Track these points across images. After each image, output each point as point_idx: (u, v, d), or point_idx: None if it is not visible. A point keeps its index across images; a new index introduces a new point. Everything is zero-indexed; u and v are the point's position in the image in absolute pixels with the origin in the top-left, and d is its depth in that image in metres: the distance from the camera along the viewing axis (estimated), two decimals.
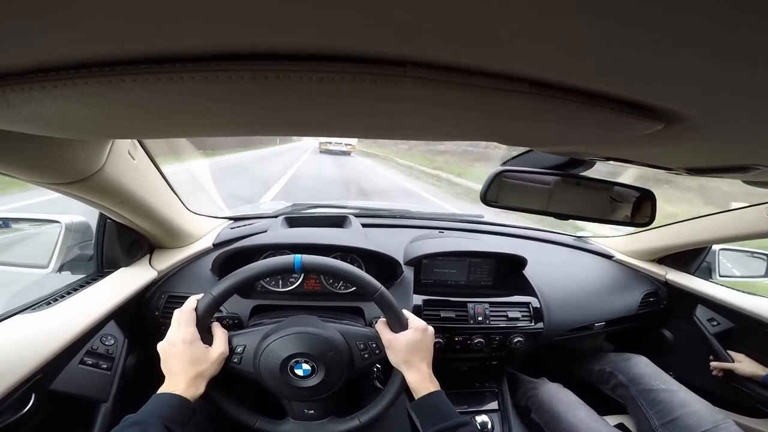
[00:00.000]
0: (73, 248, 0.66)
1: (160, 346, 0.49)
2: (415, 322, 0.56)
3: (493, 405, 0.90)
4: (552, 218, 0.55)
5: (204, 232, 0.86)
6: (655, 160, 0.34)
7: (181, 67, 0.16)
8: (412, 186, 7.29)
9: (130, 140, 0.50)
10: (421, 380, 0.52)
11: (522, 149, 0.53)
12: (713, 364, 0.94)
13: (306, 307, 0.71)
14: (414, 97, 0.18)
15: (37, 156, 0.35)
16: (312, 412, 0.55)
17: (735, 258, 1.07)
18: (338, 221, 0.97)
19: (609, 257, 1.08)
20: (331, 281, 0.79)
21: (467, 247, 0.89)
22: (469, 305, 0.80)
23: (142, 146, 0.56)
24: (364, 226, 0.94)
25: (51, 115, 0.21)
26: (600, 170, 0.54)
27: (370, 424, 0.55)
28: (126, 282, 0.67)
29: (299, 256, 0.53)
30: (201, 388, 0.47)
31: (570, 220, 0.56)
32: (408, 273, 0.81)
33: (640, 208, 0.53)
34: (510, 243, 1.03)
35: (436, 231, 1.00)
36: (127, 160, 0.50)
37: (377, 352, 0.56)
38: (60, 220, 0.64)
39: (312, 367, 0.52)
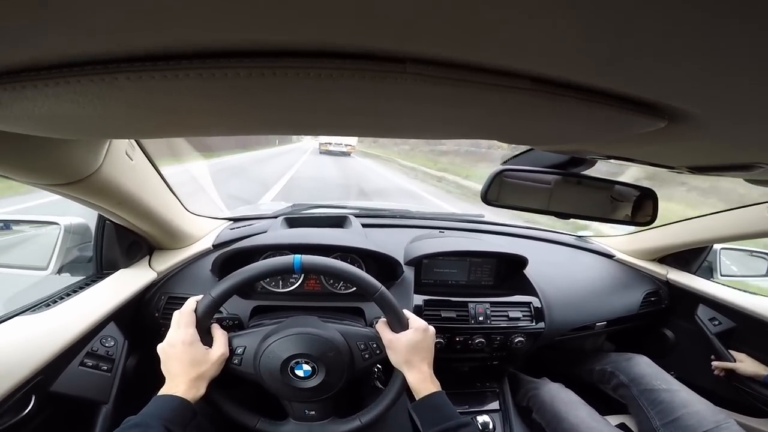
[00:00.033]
0: (72, 250, 0.66)
1: (160, 348, 0.49)
2: (415, 322, 0.55)
3: (495, 405, 0.90)
4: (553, 218, 0.55)
5: (203, 233, 0.86)
6: (657, 159, 0.33)
7: (176, 65, 0.15)
8: (418, 189, 6.97)
9: (127, 141, 0.50)
10: (422, 380, 0.52)
11: (523, 148, 0.53)
12: (715, 363, 0.93)
13: (306, 307, 0.71)
14: (414, 95, 0.18)
15: (33, 157, 0.35)
16: (313, 412, 0.55)
17: (736, 257, 1.07)
18: (338, 221, 0.97)
19: (610, 257, 1.08)
20: (331, 282, 0.79)
21: (468, 247, 0.88)
22: (470, 305, 0.80)
23: (140, 147, 0.55)
24: (364, 226, 0.94)
25: (44, 115, 0.21)
26: (600, 169, 0.53)
27: (371, 424, 0.54)
28: (125, 283, 0.67)
29: (299, 256, 0.53)
30: (201, 390, 0.47)
31: (571, 220, 0.56)
32: (408, 273, 0.81)
33: (642, 207, 0.53)
34: (511, 243, 1.02)
35: (437, 231, 1.00)
36: (124, 161, 0.49)
37: (378, 352, 0.55)
38: (59, 222, 0.64)
39: (312, 367, 0.52)
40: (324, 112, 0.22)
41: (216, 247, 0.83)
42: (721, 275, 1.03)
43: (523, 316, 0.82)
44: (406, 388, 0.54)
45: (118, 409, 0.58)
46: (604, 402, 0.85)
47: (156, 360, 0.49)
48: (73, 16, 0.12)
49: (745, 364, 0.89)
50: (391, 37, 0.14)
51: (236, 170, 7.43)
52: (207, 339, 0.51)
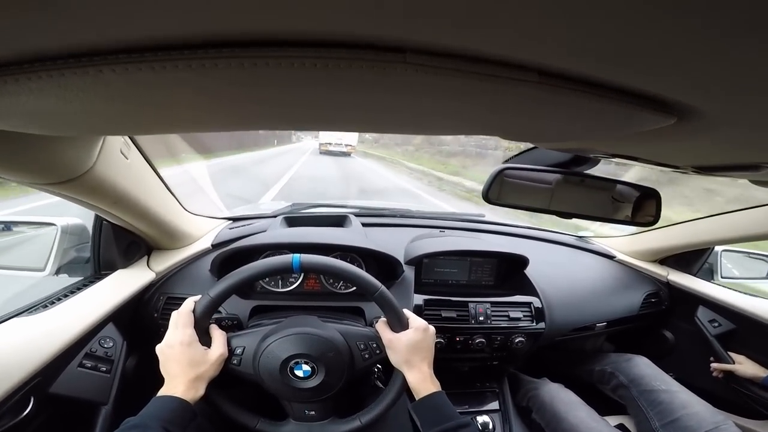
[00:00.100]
0: (70, 251, 0.66)
1: (159, 349, 0.49)
2: (415, 321, 0.55)
3: (494, 405, 0.90)
4: (553, 218, 0.54)
5: (202, 233, 0.85)
6: (663, 158, 0.33)
7: (164, 56, 0.15)
8: (435, 199, 5.77)
9: (122, 139, 0.49)
10: (422, 380, 0.52)
11: (525, 147, 0.52)
12: (714, 365, 0.93)
13: (306, 307, 0.71)
14: (415, 87, 0.17)
15: (24, 155, 0.34)
16: (313, 413, 0.55)
17: (737, 260, 1.07)
18: (338, 221, 0.96)
19: (611, 257, 1.08)
20: (331, 281, 0.78)
21: (468, 247, 0.88)
22: (471, 305, 0.80)
23: (135, 145, 0.55)
24: (365, 225, 0.94)
25: (29, 111, 0.20)
26: (600, 169, 0.53)
27: (371, 424, 0.54)
28: (124, 284, 0.67)
29: (298, 255, 0.52)
30: (201, 390, 0.47)
31: (572, 220, 0.56)
32: (409, 272, 0.80)
33: (645, 208, 0.53)
34: (511, 242, 1.02)
35: (437, 230, 1.00)
36: (119, 159, 0.49)
37: (378, 352, 0.55)
38: (55, 223, 0.64)
39: (312, 367, 0.51)
40: (321, 106, 0.22)
41: (215, 246, 0.82)
42: (722, 277, 1.03)
43: (524, 316, 0.81)
44: (406, 388, 0.54)
45: (118, 410, 0.58)
46: (603, 402, 0.85)
47: (155, 360, 0.49)
48: (54, 5, 0.12)
49: (744, 366, 0.89)
50: (390, 25, 0.13)
51: (235, 171, 7.39)
52: (206, 339, 0.51)
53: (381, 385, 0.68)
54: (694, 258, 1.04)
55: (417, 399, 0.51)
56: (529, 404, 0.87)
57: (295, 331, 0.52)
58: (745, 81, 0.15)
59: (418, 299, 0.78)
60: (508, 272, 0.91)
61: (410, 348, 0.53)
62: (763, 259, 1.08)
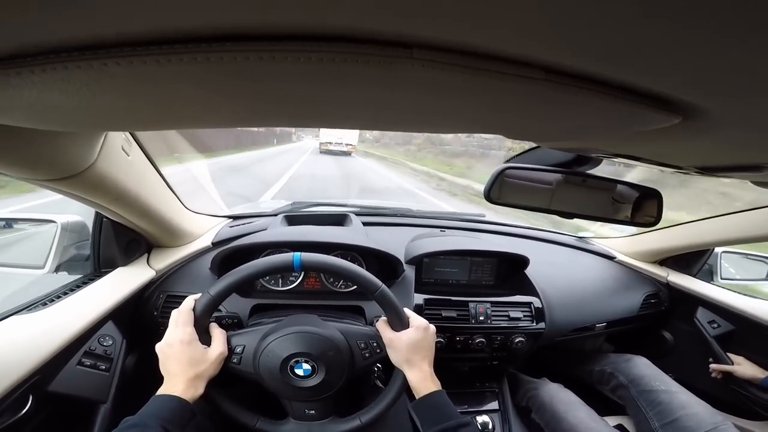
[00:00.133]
0: (70, 248, 0.65)
1: (158, 347, 0.49)
2: (416, 320, 0.55)
3: (494, 405, 0.90)
4: (554, 218, 0.54)
5: (203, 231, 0.85)
6: (666, 158, 0.33)
7: (169, 49, 0.15)
8: (448, 206, 5.17)
9: (123, 135, 0.49)
10: (423, 379, 0.52)
11: (529, 147, 0.52)
12: (712, 366, 0.94)
13: (306, 306, 0.71)
14: (420, 83, 0.17)
15: (25, 151, 0.34)
16: (313, 412, 0.55)
17: (737, 261, 1.08)
18: (339, 219, 0.96)
19: (611, 258, 1.08)
20: (331, 280, 0.78)
21: (469, 246, 0.88)
22: (471, 305, 0.80)
23: (136, 142, 0.55)
24: (365, 224, 0.94)
25: (31, 105, 0.20)
26: (606, 170, 0.53)
27: (371, 423, 0.54)
28: (124, 282, 0.67)
29: (299, 254, 0.52)
30: (200, 389, 0.47)
31: (573, 221, 0.56)
32: (409, 272, 0.80)
33: (646, 208, 0.53)
34: (512, 242, 1.02)
35: (438, 230, 1.00)
36: (120, 156, 0.48)
37: (378, 351, 0.55)
38: (56, 220, 0.64)
39: (312, 366, 0.51)
40: (325, 102, 0.21)
41: (215, 244, 0.82)
42: (722, 278, 1.03)
43: (524, 316, 0.81)
44: (406, 388, 0.54)
45: (117, 408, 0.58)
46: (603, 403, 0.85)
47: (155, 359, 0.49)
48: None
49: (742, 367, 0.89)
50: (397, 20, 0.13)
51: (235, 170, 7.37)
52: (206, 338, 0.51)
53: (381, 385, 0.68)
54: (694, 259, 1.04)
55: (417, 398, 0.51)
56: (529, 404, 0.87)
57: (296, 329, 0.52)
58: (751, 81, 0.15)
59: (419, 298, 0.78)
60: (509, 272, 0.91)
61: (411, 347, 0.53)
62: (762, 261, 1.08)
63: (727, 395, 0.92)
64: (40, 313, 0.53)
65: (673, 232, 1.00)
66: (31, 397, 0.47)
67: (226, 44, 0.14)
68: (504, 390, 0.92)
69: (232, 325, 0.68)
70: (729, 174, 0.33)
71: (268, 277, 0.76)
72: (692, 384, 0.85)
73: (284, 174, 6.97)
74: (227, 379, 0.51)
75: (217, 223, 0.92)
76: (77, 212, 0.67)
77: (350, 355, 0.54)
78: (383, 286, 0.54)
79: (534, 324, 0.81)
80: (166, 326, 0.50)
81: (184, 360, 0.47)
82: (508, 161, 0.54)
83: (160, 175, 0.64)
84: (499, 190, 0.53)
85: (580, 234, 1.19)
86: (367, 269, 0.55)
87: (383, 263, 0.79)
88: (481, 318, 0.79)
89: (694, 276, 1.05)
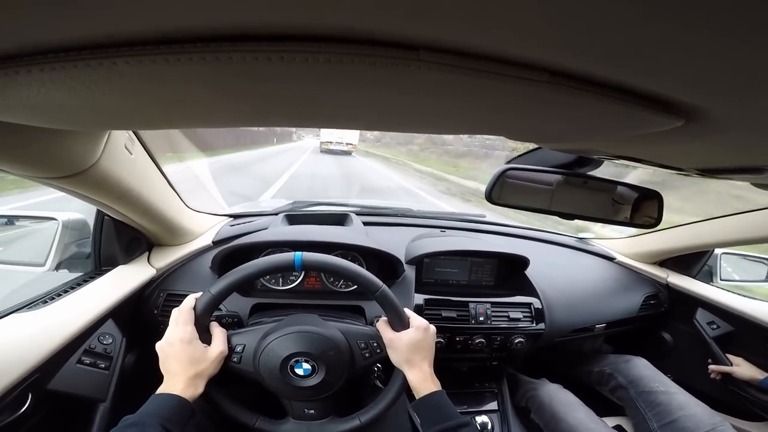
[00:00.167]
0: (70, 246, 0.65)
1: (159, 346, 0.49)
2: (416, 320, 0.55)
3: (493, 405, 0.90)
4: (553, 219, 0.55)
5: (203, 230, 0.85)
6: (667, 160, 0.33)
7: (179, 48, 0.15)
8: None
9: (127, 134, 0.49)
10: (423, 380, 0.52)
11: (531, 147, 0.52)
12: (711, 367, 0.94)
13: (306, 305, 0.71)
14: (425, 85, 0.17)
15: (29, 149, 0.34)
16: (312, 411, 0.55)
17: (736, 262, 1.08)
18: (339, 219, 0.96)
19: (611, 259, 1.08)
20: (331, 279, 0.78)
21: (469, 247, 0.88)
22: (471, 305, 0.80)
23: (139, 141, 0.55)
24: (366, 224, 0.94)
25: (39, 103, 0.20)
26: (610, 172, 0.53)
27: (371, 423, 0.54)
28: (124, 280, 0.67)
29: (299, 253, 0.52)
30: (200, 388, 0.47)
31: (573, 222, 0.56)
32: (409, 272, 0.80)
33: (647, 210, 0.53)
34: (512, 243, 1.02)
35: (438, 230, 1.00)
36: (123, 155, 0.49)
37: (378, 351, 0.55)
38: (57, 218, 0.64)
39: (312, 366, 0.51)
40: (331, 103, 0.21)
41: (216, 243, 0.82)
42: (721, 280, 1.03)
43: (524, 316, 0.82)
44: (406, 388, 0.54)
45: (116, 407, 0.58)
46: (602, 403, 0.86)
47: (154, 358, 0.49)
48: None
49: (741, 368, 0.89)
50: (404, 22, 0.13)
51: (236, 168, 7.36)
52: (206, 337, 0.51)
53: (380, 385, 0.68)
54: (694, 260, 1.05)
55: (417, 398, 0.51)
56: (528, 404, 0.88)
57: (296, 329, 0.52)
58: (751, 82, 0.15)
59: (419, 299, 0.78)
60: (509, 273, 0.91)
61: (411, 347, 0.53)
62: (762, 262, 1.08)
63: (726, 396, 0.92)
64: (40, 311, 0.53)
65: (673, 233, 1.00)
66: (30, 396, 0.47)
67: (234, 44, 0.14)
68: (503, 390, 0.92)
69: (232, 324, 0.68)
70: (729, 176, 0.33)
71: (268, 277, 0.76)
72: (691, 385, 0.85)
73: (285, 173, 6.97)
74: (227, 378, 0.51)
75: (218, 221, 0.92)
76: (78, 210, 0.67)
77: (350, 355, 0.54)
78: (384, 286, 0.54)
79: (534, 324, 0.82)
80: (166, 325, 0.50)
81: (184, 359, 0.47)
82: (509, 162, 0.54)
83: (162, 173, 0.64)
84: (500, 191, 0.53)
85: (581, 235, 1.19)
86: (367, 269, 0.56)
87: (384, 263, 0.79)
88: (481, 318, 0.79)
89: (694, 277, 1.05)
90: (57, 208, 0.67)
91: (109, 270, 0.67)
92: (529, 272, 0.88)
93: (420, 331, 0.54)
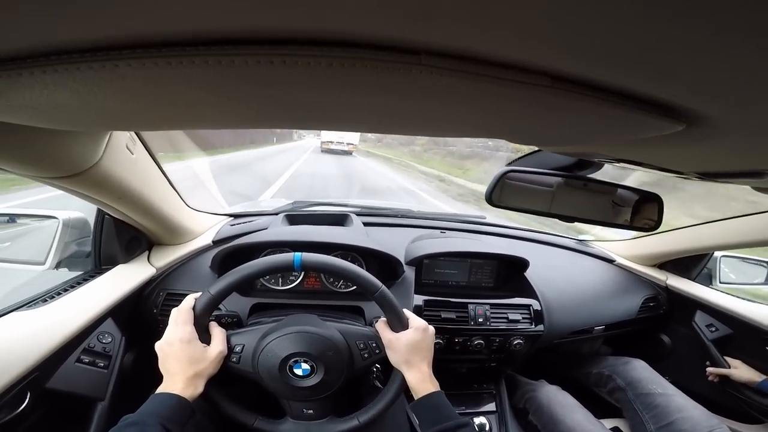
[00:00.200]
0: (71, 245, 0.65)
1: (158, 346, 0.49)
2: (415, 321, 0.55)
3: (491, 406, 0.90)
4: (553, 221, 0.55)
5: (203, 229, 0.85)
6: (667, 164, 0.33)
7: (181, 51, 0.15)
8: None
9: (128, 134, 0.49)
10: (422, 380, 0.52)
11: (530, 149, 0.52)
12: (709, 369, 0.94)
13: (306, 305, 0.71)
14: (427, 89, 0.17)
15: (31, 149, 0.34)
16: (311, 411, 0.55)
17: (736, 265, 1.08)
18: (339, 219, 0.96)
19: (610, 261, 1.08)
20: (331, 280, 0.78)
21: (469, 248, 0.88)
22: (470, 306, 0.80)
23: (140, 140, 0.55)
24: (366, 224, 0.94)
25: (41, 104, 0.20)
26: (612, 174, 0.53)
27: (370, 424, 0.54)
28: (124, 279, 0.67)
29: (299, 253, 0.52)
30: (199, 388, 0.47)
31: (573, 224, 0.56)
32: (409, 273, 0.80)
33: (647, 212, 0.53)
34: (512, 245, 1.02)
35: (438, 231, 1.00)
36: (124, 154, 0.49)
37: (377, 351, 0.55)
38: (57, 216, 0.64)
39: (311, 366, 0.51)
40: (333, 106, 0.22)
41: (216, 243, 0.82)
42: (720, 282, 1.03)
43: (523, 318, 0.82)
44: (404, 388, 0.54)
45: (115, 406, 0.58)
46: (600, 405, 0.86)
47: (154, 357, 0.49)
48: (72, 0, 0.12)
49: (739, 370, 0.89)
50: (406, 26, 0.13)
51: (236, 168, 7.35)
52: (205, 337, 0.51)
53: (379, 385, 0.68)
54: (693, 263, 1.05)
55: (416, 398, 0.51)
56: (526, 406, 0.88)
57: (295, 329, 0.52)
58: (751, 84, 0.15)
59: (418, 300, 0.78)
60: (508, 274, 0.91)
61: (410, 348, 0.53)
62: (761, 265, 1.08)
63: (724, 399, 0.92)
64: (40, 309, 0.53)
65: (673, 235, 1.00)
66: (28, 394, 0.47)
67: (237, 48, 0.15)
68: (502, 391, 0.93)
69: (231, 324, 0.68)
70: (730, 180, 0.33)
71: (268, 277, 0.76)
72: (689, 387, 0.85)
73: (285, 173, 6.97)
74: (226, 378, 0.51)
75: (218, 221, 0.92)
76: (78, 208, 0.67)
77: (349, 356, 0.54)
78: (383, 286, 0.54)
79: (533, 326, 0.82)
80: (165, 324, 0.50)
81: (183, 358, 0.47)
82: (510, 164, 0.54)
83: (163, 173, 0.64)
84: (500, 193, 0.53)
85: (580, 237, 1.19)
86: (367, 270, 0.56)
87: (383, 264, 0.79)
88: (480, 320, 0.79)
89: (693, 280, 1.05)
90: (57, 206, 0.67)
91: (109, 269, 0.68)
92: (529, 274, 0.88)
93: (419, 331, 0.54)
